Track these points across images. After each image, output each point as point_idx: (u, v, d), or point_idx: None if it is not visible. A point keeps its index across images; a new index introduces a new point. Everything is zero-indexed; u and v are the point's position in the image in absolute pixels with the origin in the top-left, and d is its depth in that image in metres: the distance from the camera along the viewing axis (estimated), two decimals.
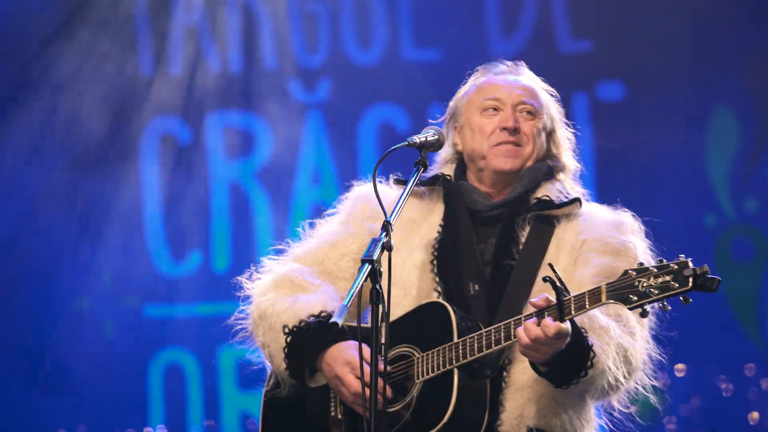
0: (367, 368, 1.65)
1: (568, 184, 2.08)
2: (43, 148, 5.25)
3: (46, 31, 5.19)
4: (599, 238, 1.92)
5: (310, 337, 1.91)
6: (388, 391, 1.83)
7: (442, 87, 5.22)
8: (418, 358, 1.87)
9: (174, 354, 5.20)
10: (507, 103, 2.01)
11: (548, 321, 1.64)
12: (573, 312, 1.66)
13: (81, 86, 5.22)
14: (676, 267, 1.58)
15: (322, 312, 1.85)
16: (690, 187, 5.12)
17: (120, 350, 5.18)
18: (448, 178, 2.06)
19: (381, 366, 1.77)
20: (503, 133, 1.97)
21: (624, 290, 1.62)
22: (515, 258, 1.94)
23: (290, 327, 1.95)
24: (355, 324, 2.07)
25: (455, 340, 1.82)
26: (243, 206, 5.27)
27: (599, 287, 1.66)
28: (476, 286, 1.95)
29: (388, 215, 1.63)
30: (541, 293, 1.73)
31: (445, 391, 1.82)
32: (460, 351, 1.80)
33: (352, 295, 1.47)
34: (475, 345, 1.79)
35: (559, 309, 1.64)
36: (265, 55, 5.27)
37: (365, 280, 1.51)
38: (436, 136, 1.80)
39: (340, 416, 1.97)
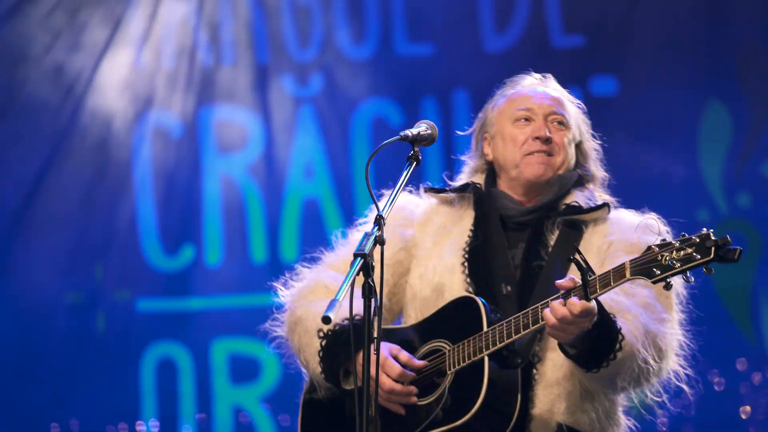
0: (399, 368, 1.78)
1: (597, 192, 2.10)
2: (36, 139, 5.19)
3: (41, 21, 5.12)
4: (625, 239, 1.94)
5: (344, 341, 1.91)
6: (407, 388, 1.86)
7: (435, 82, 5.21)
8: (449, 351, 1.89)
9: (166, 348, 5.15)
10: (539, 114, 2.03)
11: (574, 300, 1.65)
12: (598, 290, 1.68)
13: (70, 78, 5.15)
14: (698, 240, 1.60)
15: (356, 315, 1.81)
16: (683, 182, 5.07)
17: (112, 344, 5.13)
18: (479, 186, 2.08)
19: (415, 362, 1.88)
20: (536, 142, 1.98)
21: (647, 265, 1.64)
22: (544, 260, 1.97)
23: (324, 331, 1.95)
24: (391, 326, 2.08)
25: (485, 330, 1.83)
26: (235, 200, 5.21)
27: (623, 264, 1.68)
28: (508, 287, 1.97)
29: (381, 209, 1.63)
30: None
31: (476, 381, 1.82)
32: (490, 339, 1.81)
33: (343, 289, 1.46)
34: (504, 331, 1.79)
35: (584, 288, 1.66)
36: (258, 48, 5.21)
37: (357, 274, 1.50)
38: (429, 131, 1.80)
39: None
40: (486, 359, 1.81)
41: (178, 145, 5.24)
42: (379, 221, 1.60)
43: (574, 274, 1.77)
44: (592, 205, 2.02)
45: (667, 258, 1.62)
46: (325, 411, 2.08)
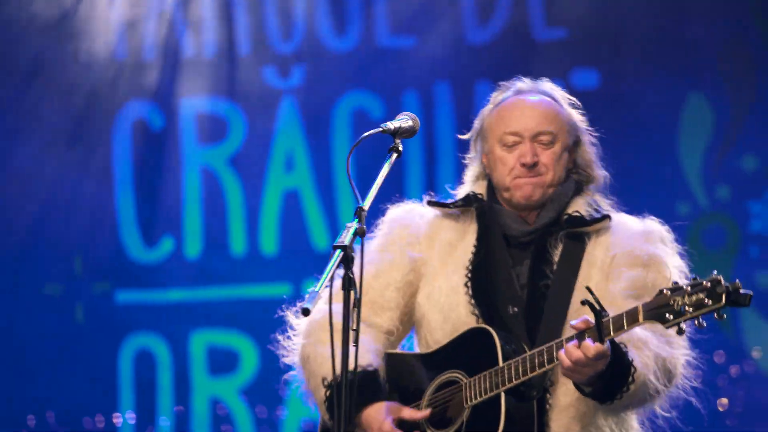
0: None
1: (597, 196, 2.07)
2: (15, 131, 5.11)
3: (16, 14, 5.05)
4: (628, 251, 1.93)
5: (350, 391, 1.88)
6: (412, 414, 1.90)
7: (416, 74, 5.14)
8: (465, 384, 1.89)
9: (145, 340, 5.08)
10: (525, 136, 1.99)
11: (588, 343, 1.67)
12: (612, 333, 1.70)
13: (53, 69, 5.08)
14: (709, 284, 1.62)
15: (368, 365, 1.83)
16: (663, 174, 5.03)
17: (91, 336, 5.06)
18: (480, 196, 2.05)
19: (418, 415, 1.88)
20: (522, 168, 1.97)
21: (660, 309, 1.66)
22: (550, 278, 1.96)
23: (329, 380, 1.90)
24: (400, 351, 2.07)
25: (500, 364, 1.84)
26: (215, 192, 5.14)
27: (636, 308, 1.69)
28: (515, 308, 1.96)
29: (361, 201, 1.61)
30: (581, 314, 1.76)
31: (493, 415, 1.84)
32: (506, 375, 1.81)
33: (323, 282, 1.44)
34: (520, 368, 1.80)
35: (598, 330, 1.68)
36: (239, 40, 5.14)
37: (338, 267, 1.49)
38: (410, 122, 1.77)
39: None
40: (503, 394, 1.83)
41: (158, 137, 5.17)
42: (359, 213, 1.57)
43: (581, 293, 1.77)
44: (594, 215, 1.99)
45: (679, 303, 1.63)
46: None
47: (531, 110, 2.03)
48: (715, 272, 1.64)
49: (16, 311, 5.05)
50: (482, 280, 1.97)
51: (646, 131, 5.00)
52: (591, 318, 1.69)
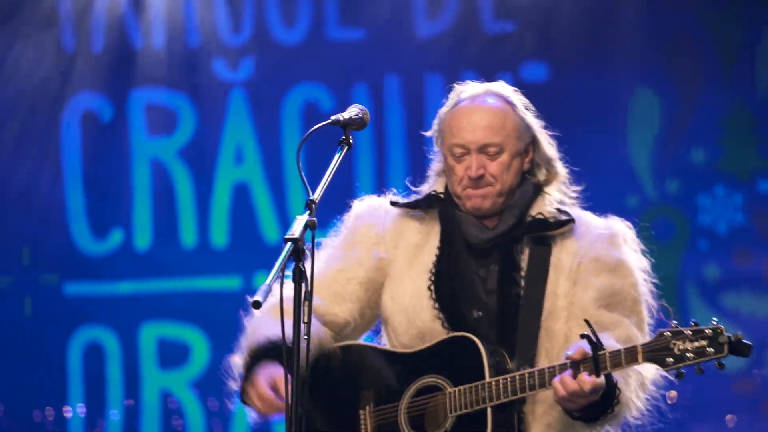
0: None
1: (559, 194, 2.06)
2: None
3: None
4: (595, 257, 1.94)
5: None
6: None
7: (366, 67, 5.10)
8: (450, 393, 1.89)
9: (94, 332, 5.02)
10: (472, 148, 1.99)
11: (585, 377, 1.70)
12: (608, 368, 1.73)
13: (1, 62, 5.02)
14: (711, 333, 1.65)
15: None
16: (612, 168, 5.00)
17: (39, 328, 5.01)
18: (442, 196, 2.05)
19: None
20: (469, 180, 1.98)
21: (660, 352, 1.69)
22: (520, 285, 1.95)
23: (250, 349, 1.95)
24: (379, 346, 2.05)
25: (487, 377, 1.85)
26: (165, 184, 5.09)
27: (635, 348, 1.72)
28: (479, 313, 1.96)
29: (312, 193, 1.59)
30: (552, 325, 1.85)
31: (479, 426, 1.86)
32: (494, 391, 1.83)
33: (274, 275, 1.42)
34: (509, 388, 1.82)
35: (596, 364, 1.70)
36: (188, 32, 5.08)
37: (288, 259, 1.47)
38: (361, 115, 1.77)
39: None
40: (489, 408, 1.85)
41: (107, 129, 5.11)
42: (310, 206, 1.56)
43: (551, 300, 1.85)
44: (558, 217, 1.98)
45: (680, 348, 1.66)
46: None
47: (478, 120, 2.01)
48: (715, 321, 1.68)
49: None
50: (445, 284, 1.97)
51: (595, 124, 4.98)
52: (587, 349, 1.70)
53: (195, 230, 5.06)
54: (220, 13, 5.07)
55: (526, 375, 1.81)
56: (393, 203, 2.08)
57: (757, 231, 5.11)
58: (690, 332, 1.66)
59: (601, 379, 1.73)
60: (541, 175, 2.06)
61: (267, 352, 1.87)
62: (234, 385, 1.97)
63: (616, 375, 1.80)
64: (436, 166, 2.12)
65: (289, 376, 1.54)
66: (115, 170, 5.07)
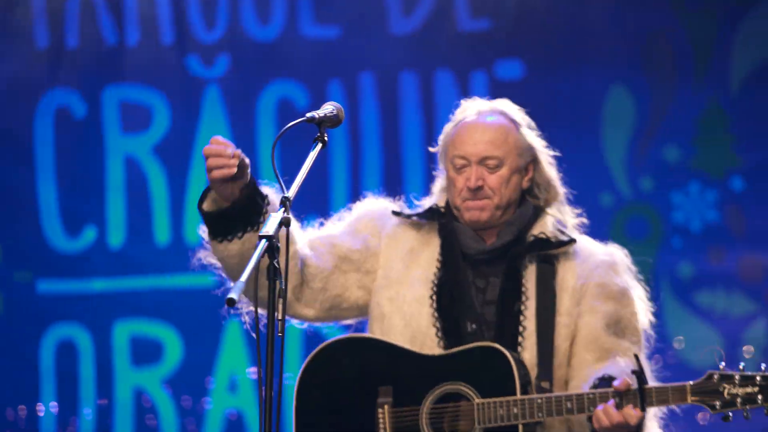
0: None
1: (559, 214, 2.11)
2: None
3: None
4: (599, 282, 2.00)
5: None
6: None
7: (341, 64, 5.07)
8: (479, 404, 1.87)
9: (67, 330, 4.98)
10: (472, 161, 2.03)
11: (632, 410, 1.73)
12: (654, 404, 1.79)
13: None
14: (761, 380, 1.70)
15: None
16: (586, 165, 4.98)
17: (11, 326, 4.96)
18: (443, 210, 2.09)
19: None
20: (469, 191, 2.01)
21: (709, 394, 1.74)
22: (521, 300, 1.97)
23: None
24: (400, 345, 2.01)
25: (518, 393, 1.85)
26: (139, 181, 5.05)
27: (684, 386, 1.78)
28: (473, 325, 1.97)
29: (286, 191, 1.61)
30: (564, 342, 1.90)
31: None
32: (527, 409, 1.83)
33: (250, 272, 1.42)
34: (544, 408, 1.83)
35: (641, 399, 1.75)
36: (162, 29, 5.04)
37: (263, 257, 1.46)
38: (335, 112, 1.78)
39: None
40: (520, 425, 1.86)
41: (81, 126, 5.06)
42: (284, 203, 1.56)
43: (562, 319, 1.86)
44: (561, 237, 2.03)
45: (729, 392, 1.71)
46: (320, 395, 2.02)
47: (481, 135, 2.04)
48: (764, 367, 1.73)
49: None
50: (446, 294, 1.99)
51: (570, 122, 4.96)
52: (631, 381, 1.75)
53: (169, 227, 5.01)
54: (194, 9, 5.03)
55: (564, 398, 1.82)
56: (395, 213, 2.11)
57: (731, 229, 5.11)
58: (739, 377, 1.71)
59: (644, 413, 1.78)
60: (542, 196, 2.11)
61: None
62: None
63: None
64: (438, 182, 2.16)
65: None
66: (89, 167, 5.02)
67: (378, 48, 5.01)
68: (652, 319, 2.11)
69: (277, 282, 1.46)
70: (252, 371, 4.81)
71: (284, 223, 1.52)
